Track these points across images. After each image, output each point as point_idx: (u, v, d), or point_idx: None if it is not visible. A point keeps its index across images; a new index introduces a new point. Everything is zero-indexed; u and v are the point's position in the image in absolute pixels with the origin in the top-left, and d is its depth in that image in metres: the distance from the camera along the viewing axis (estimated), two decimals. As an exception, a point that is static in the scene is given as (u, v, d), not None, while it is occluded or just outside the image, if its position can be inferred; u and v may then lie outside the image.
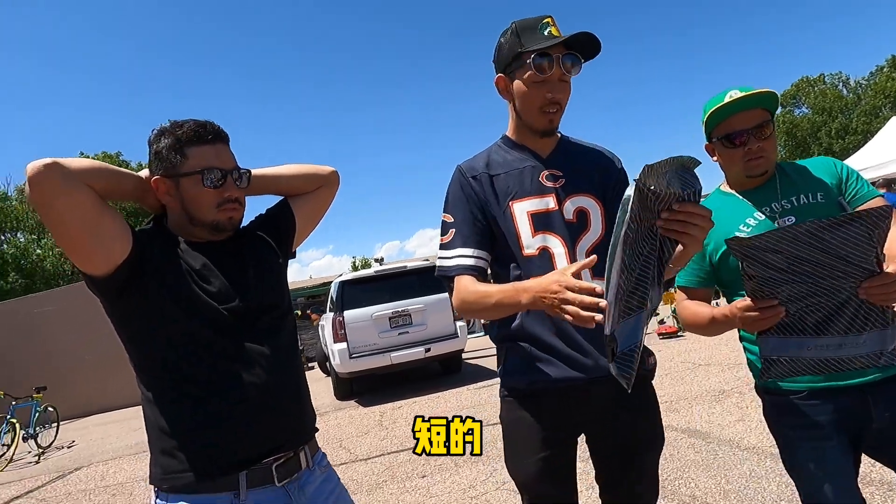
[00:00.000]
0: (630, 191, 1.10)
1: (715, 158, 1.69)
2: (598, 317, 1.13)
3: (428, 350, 8.32)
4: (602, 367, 1.46)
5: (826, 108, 39.59)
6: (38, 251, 29.09)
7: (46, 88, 52.92)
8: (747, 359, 1.69)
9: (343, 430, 6.67)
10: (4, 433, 8.62)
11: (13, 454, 8.44)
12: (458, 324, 8.68)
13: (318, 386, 11.01)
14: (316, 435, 1.45)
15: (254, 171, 1.43)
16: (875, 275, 1.24)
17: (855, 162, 12.63)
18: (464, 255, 1.53)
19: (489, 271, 1.61)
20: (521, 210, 1.53)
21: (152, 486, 1.28)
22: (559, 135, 1.65)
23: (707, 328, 1.62)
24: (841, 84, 41.66)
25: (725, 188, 1.73)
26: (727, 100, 1.56)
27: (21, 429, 8.72)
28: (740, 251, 1.28)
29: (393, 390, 8.76)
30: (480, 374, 9.23)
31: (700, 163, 1.20)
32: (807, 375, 1.45)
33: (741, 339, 1.69)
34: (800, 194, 1.58)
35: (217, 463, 1.22)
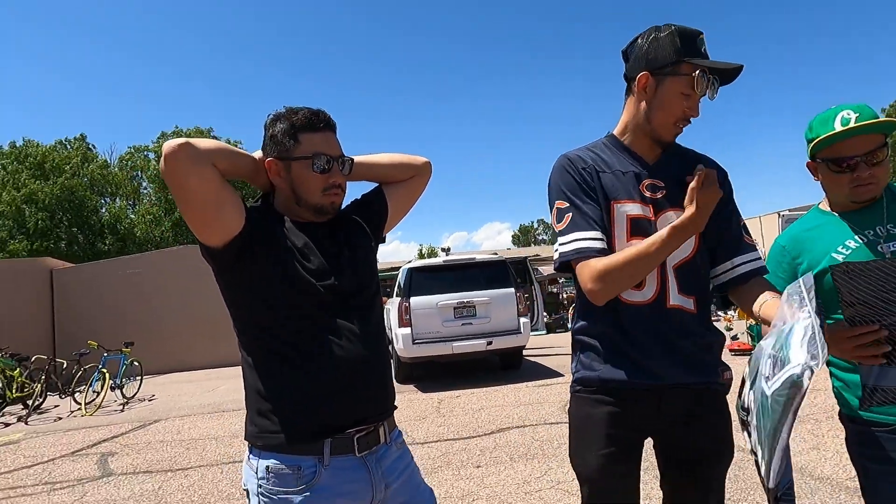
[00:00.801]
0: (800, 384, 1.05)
1: (817, 178, 1.63)
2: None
3: (490, 343, 8.37)
4: (673, 376, 1.46)
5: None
6: (132, 216, 31.29)
7: (141, 70, 56.45)
8: (833, 385, 1.63)
9: (402, 413, 6.84)
10: (95, 381, 9.41)
11: (102, 401, 9.21)
12: (522, 320, 8.67)
13: (380, 367, 11.25)
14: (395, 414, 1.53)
15: (356, 158, 1.52)
16: None
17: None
18: (590, 238, 1.49)
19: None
20: (622, 212, 1.52)
21: (247, 442, 1.40)
22: None
23: None
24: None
25: (825, 207, 1.66)
26: (839, 127, 1.48)
27: (109, 379, 9.49)
28: (842, 277, 1.25)
29: (452, 379, 8.88)
30: (540, 372, 9.19)
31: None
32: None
33: (828, 364, 1.63)
34: None
35: (306, 428, 1.32)
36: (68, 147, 30.98)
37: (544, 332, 15.04)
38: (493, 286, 8.64)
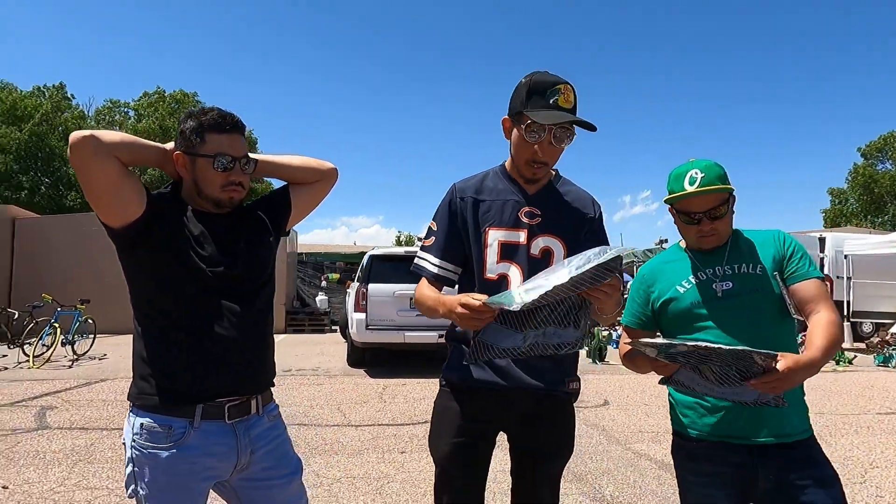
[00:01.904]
0: (596, 259, 1.36)
1: (676, 223, 1.82)
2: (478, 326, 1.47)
3: (442, 336, 8.52)
4: (519, 380, 1.66)
5: (911, 168, 37.44)
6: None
7: (132, 19, 55.25)
8: (670, 404, 1.84)
9: (345, 396, 7.01)
10: (46, 335, 9.39)
11: (51, 355, 9.20)
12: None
13: (335, 349, 11.42)
14: (280, 391, 1.69)
15: (263, 157, 1.68)
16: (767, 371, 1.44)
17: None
18: (432, 263, 1.78)
19: (455, 281, 1.82)
20: (494, 237, 1.74)
21: (129, 402, 1.56)
22: (554, 172, 1.83)
23: (643, 368, 1.78)
24: (933, 145, 39.23)
25: (683, 244, 1.86)
26: (687, 187, 1.66)
27: (61, 334, 9.47)
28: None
29: (402, 368, 9.07)
30: (489, 369, 9.42)
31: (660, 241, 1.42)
32: (705, 424, 1.62)
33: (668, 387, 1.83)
34: (742, 263, 1.71)
35: (179, 393, 1.48)
36: (45, 94, 30.30)
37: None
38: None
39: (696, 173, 1.67)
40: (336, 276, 21.81)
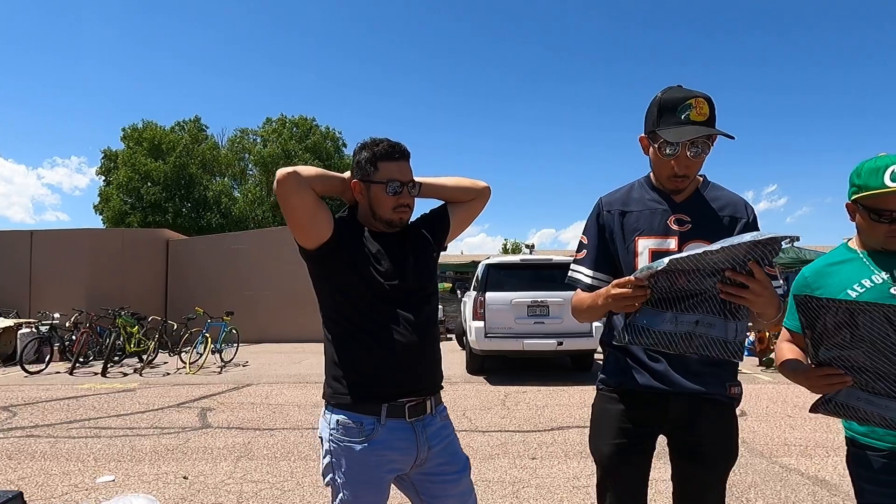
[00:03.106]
0: (749, 237, 1.36)
1: (853, 219, 1.72)
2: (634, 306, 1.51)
3: (560, 343, 8.52)
4: (682, 384, 1.68)
5: None
6: (237, 194, 33.64)
7: (253, 58, 60.20)
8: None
9: (468, 402, 7.19)
10: (199, 344, 10.49)
11: (203, 362, 10.26)
12: (595, 324, 8.73)
13: (453, 357, 11.70)
14: (441, 393, 1.85)
15: (425, 180, 1.84)
16: None
17: None
18: (586, 275, 1.87)
19: None
20: (644, 246, 1.78)
21: (324, 400, 1.78)
22: (701, 179, 1.84)
23: (792, 378, 1.71)
24: None
25: (853, 245, 1.75)
26: (889, 182, 1.55)
27: (211, 343, 10.53)
28: (803, 305, 1.38)
29: (521, 374, 9.12)
30: (610, 377, 9.21)
31: (790, 239, 1.37)
32: (885, 432, 1.54)
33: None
34: None
35: (369, 393, 1.67)
36: (185, 128, 33.84)
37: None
38: (568, 288, 8.74)
39: None
40: (448, 285, 22.29)
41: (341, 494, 1.66)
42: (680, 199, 1.80)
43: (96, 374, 9.79)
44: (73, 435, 5.63)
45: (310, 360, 11.75)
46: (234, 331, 11.50)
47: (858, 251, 1.73)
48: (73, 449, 5.10)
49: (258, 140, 34.62)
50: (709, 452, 1.74)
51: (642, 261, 1.77)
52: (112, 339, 10.17)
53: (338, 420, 1.68)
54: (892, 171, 1.56)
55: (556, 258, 9.69)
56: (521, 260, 9.55)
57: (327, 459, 1.70)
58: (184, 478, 4.28)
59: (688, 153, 1.68)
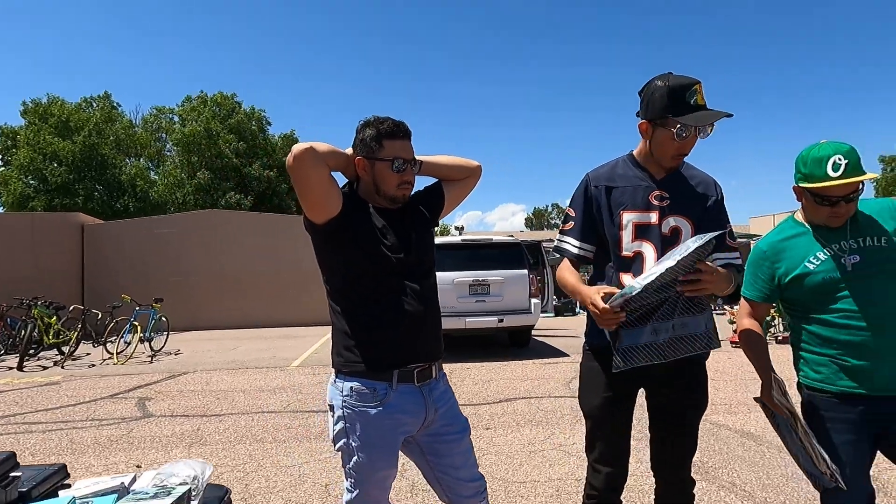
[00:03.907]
0: (693, 244, 1.66)
1: (800, 200, 1.91)
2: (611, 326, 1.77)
3: (501, 321, 8.80)
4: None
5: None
6: (155, 177, 31.83)
7: (176, 22, 56.67)
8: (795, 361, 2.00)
9: (415, 380, 7.31)
10: (127, 332, 9.99)
11: (132, 352, 9.80)
12: (533, 301, 9.07)
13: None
14: None
15: (421, 158, 1.91)
16: None
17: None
18: (573, 245, 2.02)
19: (593, 259, 2.05)
20: (628, 220, 1.95)
21: (333, 370, 1.83)
22: None
23: (754, 361, 1.99)
24: None
25: (799, 217, 1.96)
26: (831, 172, 1.73)
27: (140, 331, 10.06)
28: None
29: (463, 352, 9.35)
30: (547, 351, 9.62)
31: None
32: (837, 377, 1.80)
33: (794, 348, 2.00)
34: (866, 236, 1.81)
35: (381, 360, 1.74)
36: (93, 105, 31.52)
37: (552, 314, 15.43)
38: (507, 267, 9.04)
39: (840, 159, 1.73)
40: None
41: (356, 457, 1.73)
42: (660, 177, 1.97)
43: (11, 368, 9.14)
44: (0, 431, 5.29)
45: (245, 346, 11.48)
46: (163, 318, 11.03)
47: (805, 225, 1.93)
48: (3, 446, 4.80)
49: (176, 119, 32.78)
50: (687, 403, 1.95)
51: (626, 234, 1.93)
52: (28, 330, 9.48)
53: (351, 387, 1.74)
54: (834, 162, 1.74)
55: (496, 238, 9.95)
56: (462, 240, 9.72)
57: (340, 425, 1.75)
58: (137, 466, 4.15)
59: (698, 135, 1.85)
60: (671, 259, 1.65)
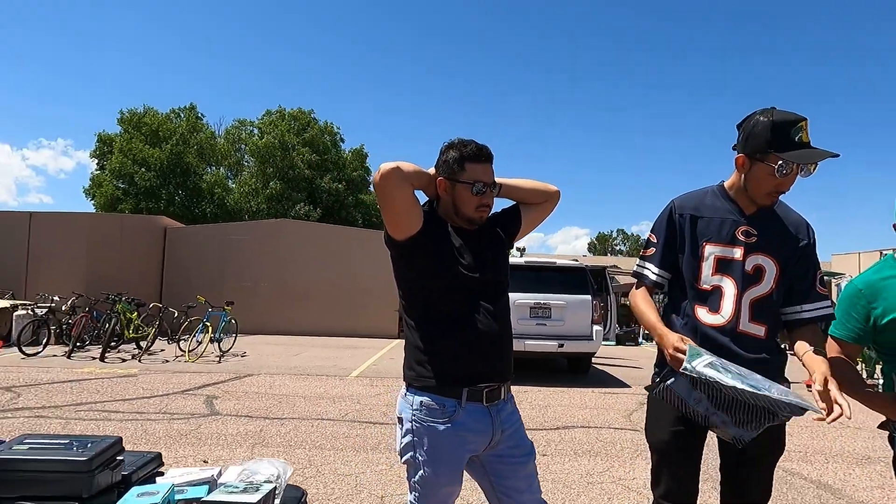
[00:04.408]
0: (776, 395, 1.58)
1: None
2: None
3: (561, 346, 8.65)
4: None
5: None
6: (232, 185, 33.47)
7: (255, 46, 59.90)
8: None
9: (472, 399, 7.28)
10: (200, 332, 10.49)
11: (203, 351, 10.27)
12: (595, 327, 8.88)
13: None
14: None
15: (503, 181, 1.94)
16: None
17: None
18: (652, 272, 2.00)
19: (667, 286, 2.02)
20: (710, 252, 1.90)
21: (404, 383, 1.87)
22: None
23: (852, 394, 1.81)
24: None
25: None
26: None
27: (211, 332, 10.54)
28: None
29: (521, 375, 9.23)
30: (607, 380, 9.37)
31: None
32: None
33: None
34: None
35: (451, 377, 1.76)
36: (181, 116, 33.59)
37: (614, 343, 15.02)
38: (570, 291, 8.91)
39: None
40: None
41: (422, 471, 1.75)
42: (750, 212, 1.91)
43: (94, 358, 9.77)
44: (83, 417, 5.66)
45: (307, 352, 11.80)
46: (233, 321, 11.50)
47: None
48: (85, 431, 5.13)
49: (255, 131, 34.46)
50: (756, 448, 1.85)
51: (707, 266, 1.88)
52: (112, 324, 10.13)
53: (421, 402, 1.77)
54: None
55: (560, 261, 9.84)
56: (526, 262, 9.67)
57: (408, 438, 1.78)
58: (203, 461, 4.34)
59: (800, 173, 1.80)
60: (753, 383, 1.59)
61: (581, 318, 8.81)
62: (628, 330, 17.60)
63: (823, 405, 1.57)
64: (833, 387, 1.58)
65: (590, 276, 9.50)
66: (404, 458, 1.80)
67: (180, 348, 10.45)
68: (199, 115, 34.20)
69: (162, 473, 1.77)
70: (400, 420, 1.83)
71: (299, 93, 65.65)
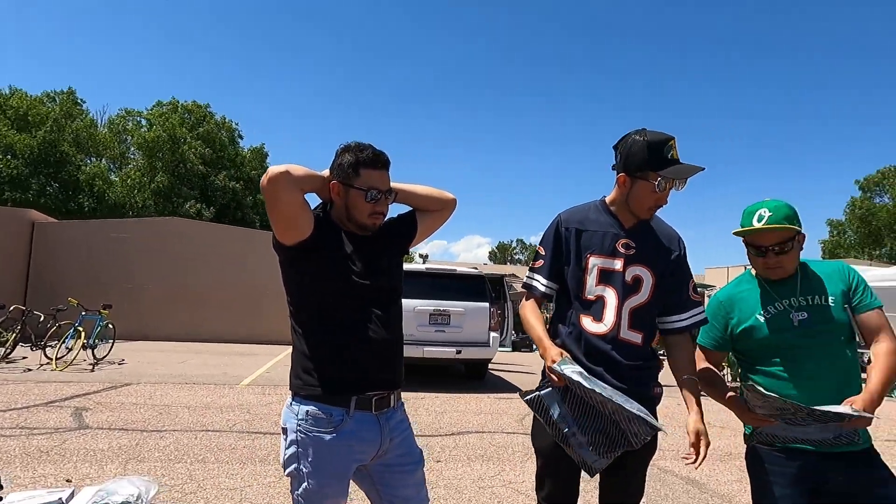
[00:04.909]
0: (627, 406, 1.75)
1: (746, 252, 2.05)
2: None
3: (459, 352, 8.78)
4: (611, 384, 1.89)
5: (909, 203, 37.95)
6: (114, 178, 30.96)
7: (145, 35, 56.01)
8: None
9: (368, 406, 7.18)
10: (70, 338, 9.56)
11: (73, 359, 9.36)
12: (492, 334, 9.09)
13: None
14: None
15: (398, 186, 1.92)
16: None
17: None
18: (541, 283, 2.07)
19: (555, 297, 2.10)
20: (594, 264, 2.01)
21: (290, 392, 1.79)
22: None
23: (717, 398, 2.03)
24: (930, 181, 39.85)
25: (754, 272, 2.09)
26: (756, 223, 1.90)
27: (84, 338, 9.63)
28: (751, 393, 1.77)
29: (419, 381, 9.26)
30: (502, 385, 9.62)
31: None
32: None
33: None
34: (815, 295, 1.92)
35: (339, 385, 1.72)
36: (56, 100, 30.65)
37: (510, 349, 15.47)
38: (469, 298, 9.07)
39: (765, 212, 1.91)
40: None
41: (306, 483, 1.69)
42: (629, 226, 2.04)
43: (-62, 367, 8.62)
44: (-80, 434, 4.96)
45: (195, 360, 11.12)
46: (110, 325, 10.59)
47: (758, 279, 2.05)
48: (-78, 450, 4.50)
49: (144, 122, 32.12)
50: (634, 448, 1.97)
51: (591, 277, 1.98)
52: (-39, 328, 8.98)
53: (307, 411, 1.71)
54: (759, 214, 1.92)
55: (460, 269, 9.99)
56: (426, 269, 9.72)
57: (293, 449, 1.71)
58: (66, 481, 3.93)
59: (676, 187, 1.94)
60: (617, 397, 1.75)
61: (479, 325, 8.99)
62: (524, 336, 18.20)
63: (692, 452, 1.88)
64: (703, 442, 1.88)
65: (488, 284, 9.72)
66: (288, 471, 1.73)
67: (46, 355, 9.46)
68: (78, 100, 31.41)
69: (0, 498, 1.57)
70: (284, 431, 1.76)
71: (196, 87, 62.28)
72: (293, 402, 1.76)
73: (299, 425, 1.71)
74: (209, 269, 15.04)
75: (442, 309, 8.87)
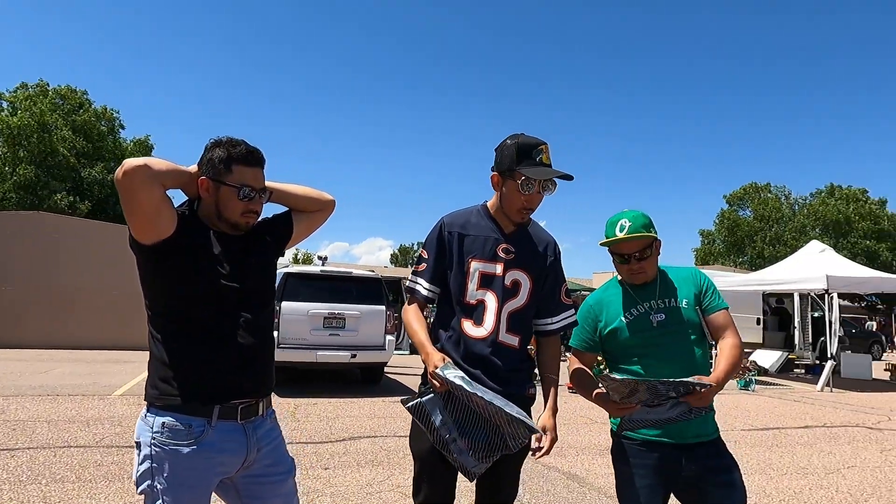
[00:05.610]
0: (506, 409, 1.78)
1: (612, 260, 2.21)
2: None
3: (354, 356, 8.64)
4: (490, 387, 1.94)
5: (765, 216, 42.54)
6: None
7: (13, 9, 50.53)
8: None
9: (256, 414, 6.88)
10: None
11: None
12: (388, 337, 9.04)
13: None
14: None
15: (274, 185, 1.84)
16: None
17: (774, 273, 13.90)
18: (424, 287, 2.07)
19: (437, 300, 2.12)
20: (475, 268, 2.04)
21: (145, 402, 1.65)
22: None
23: (587, 396, 2.13)
24: (783, 197, 44.94)
25: (619, 277, 2.25)
26: (617, 233, 2.06)
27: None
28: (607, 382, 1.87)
29: (312, 386, 9.02)
30: (397, 389, 9.59)
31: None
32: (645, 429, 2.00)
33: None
34: (671, 297, 2.11)
35: (200, 394, 1.61)
36: None
37: (408, 352, 15.50)
38: (365, 301, 8.95)
39: (625, 222, 2.06)
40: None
41: (160, 502, 1.56)
42: (509, 231, 2.10)
43: None
44: None
45: (61, 369, 10.10)
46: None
47: (623, 285, 2.20)
48: None
49: (5, 105, 28.78)
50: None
51: (472, 281, 2.01)
52: None
53: (163, 423, 1.59)
54: (621, 224, 2.08)
55: (356, 272, 9.85)
56: (321, 271, 9.49)
57: (146, 465, 1.58)
58: None
59: (540, 190, 1.99)
60: (497, 400, 1.79)
61: (374, 328, 8.90)
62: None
63: (539, 437, 1.97)
64: (548, 437, 2.00)
65: (385, 287, 9.66)
66: (140, 489, 1.60)
67: None
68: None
69: None
70: (138, 445, 1.62)
71: (70, 69, 56.83)
72: (148, 414, 1.63)
73: (154, 438, 1.58)
74: (85, 269, 13.68)
75: (337, 312, 8.70)
